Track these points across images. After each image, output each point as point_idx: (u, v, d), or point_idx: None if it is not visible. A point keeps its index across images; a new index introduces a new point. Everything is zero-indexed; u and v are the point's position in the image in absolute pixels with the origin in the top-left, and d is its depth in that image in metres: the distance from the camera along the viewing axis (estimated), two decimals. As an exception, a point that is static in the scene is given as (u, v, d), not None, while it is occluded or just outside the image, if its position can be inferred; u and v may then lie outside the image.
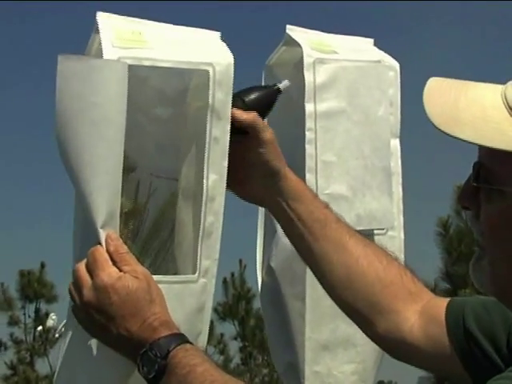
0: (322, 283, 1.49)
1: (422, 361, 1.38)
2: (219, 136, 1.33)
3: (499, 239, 1.02)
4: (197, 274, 1.34)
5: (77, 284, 1.23)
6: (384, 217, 1.71)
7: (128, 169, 1.32)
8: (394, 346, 1.39)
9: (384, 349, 1.44)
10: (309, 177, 1.63)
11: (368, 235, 1.69)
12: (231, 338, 18.08)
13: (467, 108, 1.01)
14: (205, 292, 1.35)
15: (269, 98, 1.44)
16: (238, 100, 1.38)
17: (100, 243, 1.23)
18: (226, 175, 1.35)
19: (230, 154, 1.35)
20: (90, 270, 1.22)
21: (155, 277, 1.27)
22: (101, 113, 1.22)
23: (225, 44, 1.38)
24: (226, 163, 1.35)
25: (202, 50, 1.35)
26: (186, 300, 1.32)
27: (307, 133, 1.63)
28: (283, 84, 1.44)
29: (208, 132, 1.32)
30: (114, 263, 1.22)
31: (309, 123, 1.63)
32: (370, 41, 1.79)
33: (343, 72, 1.66)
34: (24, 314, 17.93)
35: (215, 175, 1.34)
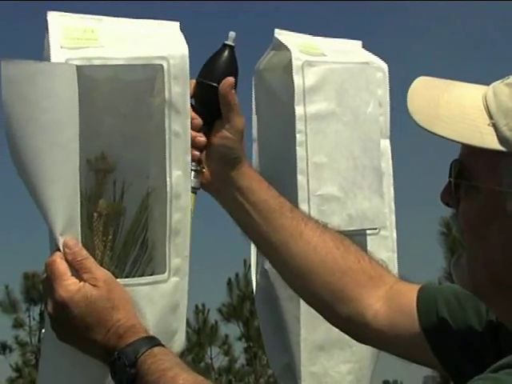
0: (281, 273, 1.49)
1: (387, 346, 1.39)
2: (180, 131, 1.31)
3: (474, 234, 1.04)
4: (166, 274, 1.32)
5: (44, 297, 1.24)
6: (376, 216, 1.72)
7: (107, 170, 1.31)
8: (357, 331, 1.40)
9: (348, 334, 1.44)
10: (300, 179, 1.64)
11: (360, 235, 1.71)
12: (236, 339, 18.11)
13: (447, 106, 1.04)
14: (177, 290, 1.33)
15: (229, 64, 1.40)
16: (203, 85, 1.37)
17: (60, 251, 1.22)
18: (190, 170, 1.33)
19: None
20: (50, 284, 1.21)
21: (121, 280, 1.26)
22: (52, 118, 1.19)
23: (182, 35, 1.35)
24: (189, 158, 1.33)
25: (157, 43, 1.32)
26: (156, 301, 1.30)
27: (298, 135, 1.64)
28: (230, 38, 1.40)
29: (167, 127, 1.30)
30: (74, 271, 1.21)
31: (299, 125, 1.64)
32: (358, 43, 1.80)
33: (332, 74, 1.67)
34: (29, 317, 18.00)
35: (179, 171, 1.32)
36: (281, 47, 1.66)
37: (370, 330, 1.36)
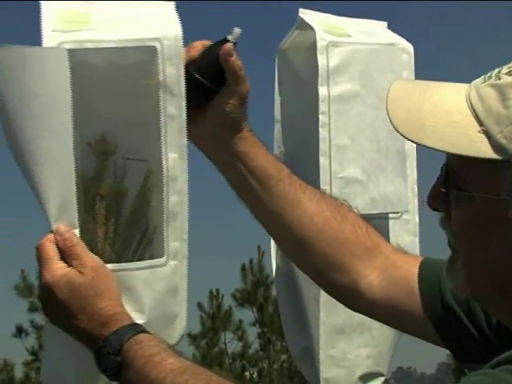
0: (275, 239, 1.48)
1: (382, 317, 1.38)
2: (175, 113, 1.29)
3: (472, 242, 1.00)
4: (165, 257, 1.31)
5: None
6: (398, 200, 1.70)
7: (107, 152, 1.30)
8: (351, 301, 1.39)
9: (341, 302, 1.42)
10: (322, 161, 1.63)
11: (383, 219, 1.69)
12: (250, 325, 18.14)
13: (432, 114, 0.99)
14: (176, 274, 1.32)
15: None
16: (192, 76, 1.32)
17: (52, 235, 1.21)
18: (186, 153, 1.32)
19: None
20: (39, 267, 1.21)
21: (118, 265, 1.26)
22: (43, 103, 1.18)
23: (176, 16, 1.32)
24: (185, 140, 1.31)
25: (150, 24, 1.30)
26: (155, 285, 1.29)
27: (321, 116, 1.62)
28: (234, 34, 1.32)
29: (162, 110, 1.28)
30: (64, 257, 1.21)
31: (322, 107, 1.62)
32: (384, 24, 1.78)
33: (357, 55, 1.65)
34: (44, 301, 18.06)
35: (174, 154, 1.30)
36: (305, 27, 1.64)
37: (364, 300, 1.35)
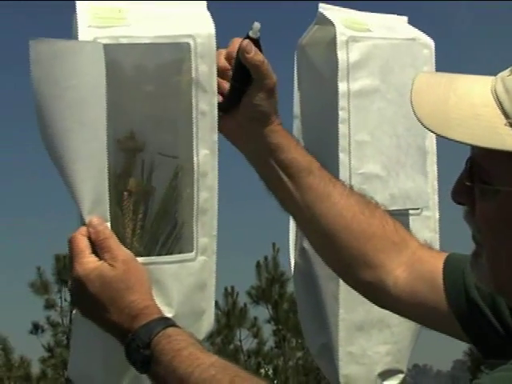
0: (304, 232, 1.48)
1: (408, 313, 1.38)
2: (206, 110, 1.31)
3: (497, 235, 0.99)
4: (194, 252, 1.32)
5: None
6: (418, 196, 1.69)
7: (136, 149, 1.31)
8: (377, 297, 1.39)
9: (367, 298, 1.42)
10: (342, 156, 1.62)
11: (402, 215, 1.68)
12: (265, 322, 18.17)
13: (457, 106, 0.98)
14: (205, 269, 1.33)
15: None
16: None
17: (84, 228, 1.22)
18: (217, 149, 1.33)
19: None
20: (70, 259, 1.22)
21: (148, 259, 1.27)
22: (77, 96, 1.19)
23: (209, 14, 1.34)
24: (216, 137, 1.33)
25: (184, 22, 1.32)
26: (184, 279, 1.30)
27: (340, 112, 1.61)
28: (254, 29, 1.32)
29: (194, 106, 1.30)
30: (96, 250, 1.22)
31: (342, 102, 1.61)
32: (404, 19, 1.77)
33: (377, 50, 1.64)
34: (60, 298, 18.22)
35: (206, 150, 1.32)
36: (325, 22, 1.63)
37: (389, 295, 1.35)
